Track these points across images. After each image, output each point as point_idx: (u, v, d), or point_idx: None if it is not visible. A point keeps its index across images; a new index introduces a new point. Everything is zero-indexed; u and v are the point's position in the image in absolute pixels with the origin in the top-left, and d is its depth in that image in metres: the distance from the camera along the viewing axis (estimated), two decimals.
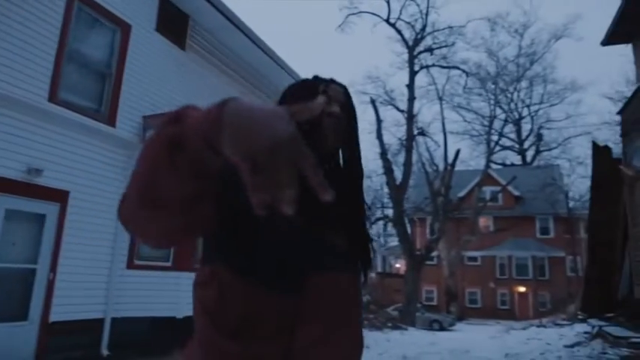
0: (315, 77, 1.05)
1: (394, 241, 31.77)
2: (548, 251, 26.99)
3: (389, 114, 53.11)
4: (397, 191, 18.29)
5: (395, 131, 22.07)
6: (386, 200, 23.68)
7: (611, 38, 10.09)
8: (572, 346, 9.31)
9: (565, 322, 15.52)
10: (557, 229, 27.33)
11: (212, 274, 0.84)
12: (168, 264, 7.33)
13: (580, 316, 12.00)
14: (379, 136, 18.82)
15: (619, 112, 8.44)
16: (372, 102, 19.55)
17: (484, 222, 27.81)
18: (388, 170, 18.50)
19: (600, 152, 10.01)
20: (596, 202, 10.16)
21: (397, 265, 34.13)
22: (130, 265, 6.96)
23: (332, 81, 1.04)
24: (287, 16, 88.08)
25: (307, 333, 0.82)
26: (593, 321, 10.52)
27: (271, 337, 0.80)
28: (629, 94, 24.81)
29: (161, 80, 7.61)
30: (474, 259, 28.10)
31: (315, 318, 0.83)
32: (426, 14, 19.22)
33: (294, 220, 0.65)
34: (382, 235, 32.84)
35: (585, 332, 10.38)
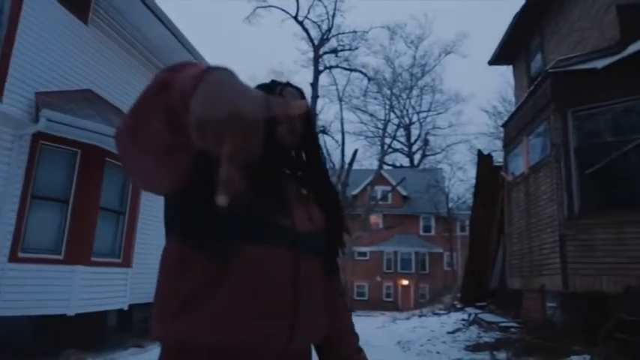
0: (272, 81, 1.14)
1: None
2: (429, 247, 29.50)
3: None
4: None
5: None
6: None
7: (497, 59, 11.37)
8: (453, 332, 10.33)
9: (442, 312, 17.11)
10: (438, 227, 29.97)
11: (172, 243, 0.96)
12: (60, 257, 6.66)
13: (458, 305, 13.33)
14: None
15: (503, 125, 9.56)
16: None
17: (374, 219, 29.46)
18: None
19: (483, 159, 11.27)
20: (477, 204, 11.39)
21: None
22: (13, 259, 6.20)
23: (288, 84, 1.13)
24: (198, 3, 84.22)
25: (219, 300, 0.88)
26: (470, 309, 11.77)
27: (190, 302, 0.89)
28: (502, 109, 27.76)
29: (59, 54, 6.87)
30: (364, 254, 29.64)
31: (231, 286, 0.88)
32: (333, 16, 19.81)
33: (244, 195, 0.70)
34: None
35: (463, 319, 11.56)
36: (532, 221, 7.31)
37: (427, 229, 30.86)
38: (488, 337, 9.06)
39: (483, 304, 11.77)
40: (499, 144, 27.44)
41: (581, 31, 7.80)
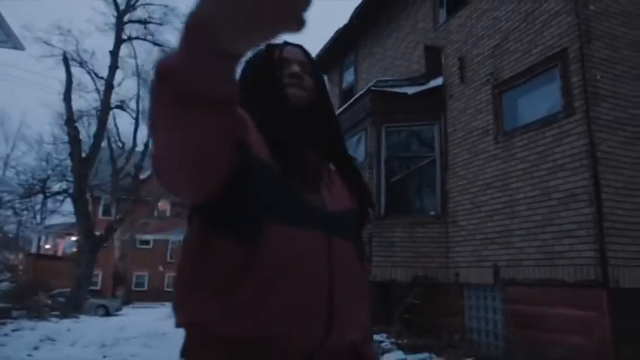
0: (268, 45, 1.07)
1: (56, 219, 28.05)
2: None
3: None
4: (82, 164, 16.34)
5: (77, 97, 19.71)
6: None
7: None
8: None
9: None
10: None
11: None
12: None
13: None
14: (67, 99, 16.42)
15: None
16: (65, 59, 16.87)
17: (162, 206, 28.03)
18: (74, 139, 16.33)
19: None
20: None
21: (48, 246, 30.22)
22: None
23: (286, 43, 1.07)
24: None
25: (246, 288, 0.80)
26: None
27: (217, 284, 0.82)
28: None
29: None
30: (147, 242, 27.90)
31: (259, 272, 0.81)
32: None
33: (274, 173, 0.79)
34: (39, 212, 28.46)
35: None
36: None
37: None
38: None
39: None
40: None
41: (393, 59, 9.14)
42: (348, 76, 11.29)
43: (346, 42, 10.68)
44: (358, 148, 8.05)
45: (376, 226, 7.30)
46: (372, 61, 10.00)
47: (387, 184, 7.51)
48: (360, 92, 8.13)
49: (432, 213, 7.23)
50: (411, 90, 7.49)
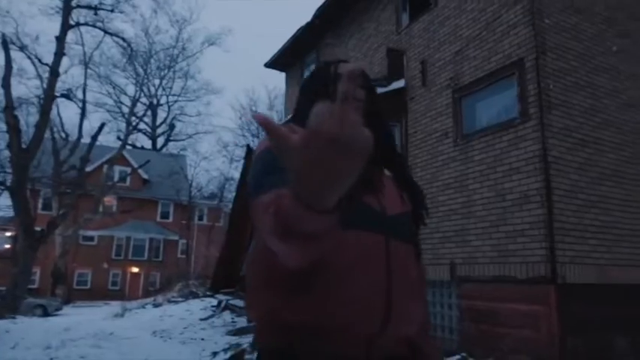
0: (325, 62, 1.19)
1: None
2: (165, 234, 28.76)
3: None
4: (21, 155, 15.35)
5: (16, 83, 18.50)
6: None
7: (274, 64, 12.24)
8: (206, 318, 10.55)
9: (179, 299, 17.08)
10: (176, 214, 29.54)
11: None
12: None
13: (208, 292, 13.61)
14: (6, 85, 15.38)
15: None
16: (4, 42, 15.77)
17: (108, 201, 26.86)
18: (13, 128, 15.30)
19: (251, 154, 11.87)
20: (240, 194, 11.94)
21: None
22: None
23: (342, 61, 1.18)
24: None
25: (313, 282, 0.90)
26: (220, 296, 12.22)
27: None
28: (251, 107, 29.43)
29: None
30: (91, 238, 26.67)
31: (325, 267, 0.89)
32: None
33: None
34: None
35: (213, 306, 11.93)
36: None
37: (165, 215, 30.03)
38: (241, 322, 9.66)
39: (232, 290, 12.40)
40: (242, 140, 29.14)
41: (355, 60, 9.25)
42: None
43: (308, 41, 10.71)
44: None
45: None
46: None
47: None
48: None
49: None
50: None
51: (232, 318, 10.19)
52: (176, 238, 28.80)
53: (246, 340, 7.31)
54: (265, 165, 0.93)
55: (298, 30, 10.61)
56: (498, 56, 5.99)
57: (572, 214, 5.27)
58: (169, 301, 17.67)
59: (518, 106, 5.63)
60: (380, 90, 7.45)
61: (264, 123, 0.61)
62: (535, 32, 5.55)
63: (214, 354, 6.66)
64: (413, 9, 7.99)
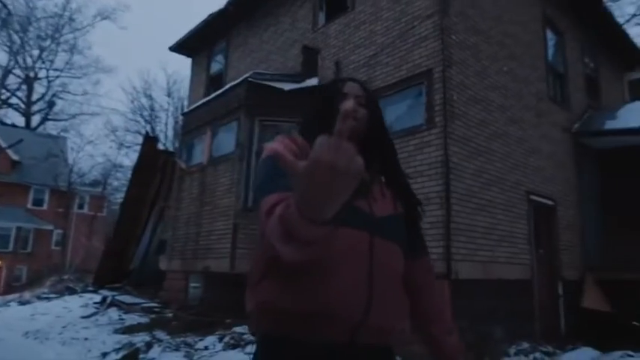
0: (334, 80, 1.43)
1: None
2: (37, 223, 25.80)
3: None
4: None
5: None
6: None
7: (179, 48, 11.61)
8: (89, 316, 9.66)
9: (52, 295, 15.45)
10: (52, 201, 26.68)
11: None
12: None
13: (91, 288, 12.48)
14: None
15: (184, 114, 9.89)
16: None
17: None
18: None
19: (149, 140, 11.19)
20: (134, 183, 11.16)
21: None
22: None
23: (349, 79, 1.33)
24: None
25: (302, 272, 1.01)
26: (104, 291, 11.29)
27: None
28: (145, 90, 27.66)
29: None
30: None
31: (312, 259, 0.97)
32: None
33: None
34: None
35: (96, 303, 10.96)
36: (205, 209, 7.94)
37: (38, 202, 26.94)
38: (130, 319, 9.03)
39: (119, 285, 11.53)
40: (134, 125, 27.29)
41: (268, 53, 9.16)
42: (218, 63, 10.95)
43: (219, 28, 10.35)
44: (228, 137, 7.88)
45: (243, 217, 7.25)
46: (245, 51, 9.87)
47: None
48: (236, 82, 7.97)
49: None
50: (287, 86, 7.62)
51: (120, 315, 9.46)
52: (50, 227, 25.99)
53: (138, 339, 6.84)
54: (269, 170, 1.06)
55: (210, 15, 10.20)
56: (409, 65, 6.35)
57: (466, 216, 5.78)
58: (40, 298, 15.85)
59: (425, 113, 6.02)
60: (294, 86, 7.47)
61: (277, 157, 0.77)
62: (443, 46, 5.98)
63: (104, 355, 6.14)
64: (330, 9, 8.13)
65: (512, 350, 5.92)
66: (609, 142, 8.42)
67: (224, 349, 6.01)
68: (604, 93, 10.08)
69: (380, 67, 6.77)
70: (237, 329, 6.46)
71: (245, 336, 6.21)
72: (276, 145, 1.13)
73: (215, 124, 8.29)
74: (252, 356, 1.13)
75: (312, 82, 7.74)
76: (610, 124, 8.45)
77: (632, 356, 5.93)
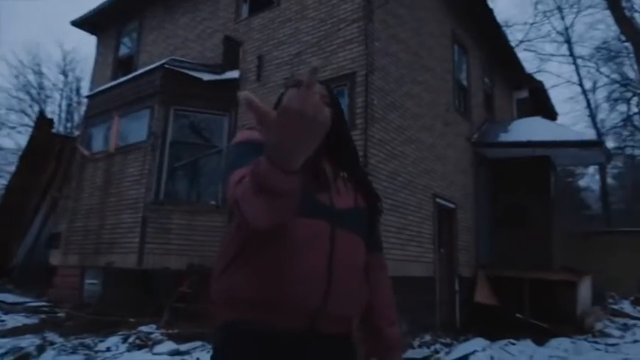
0: (299, 81, 1.45)
1: None
2: None
3: None
4: None
5: None
6: None
7: (83, 24, 10.63)
8: None
9: None
10: None
11: None
12: None
13: None
14: None
15: (88, 96, 9.05)
16: None
17: None
18: None
19: (43, 123, 10.06)
20: (22, 169, 9.99)
21: None
22: None
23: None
24: None
25: (263, 260, 1.07)
26: None
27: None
28: (34, 66, 24.98)
29: None
30: None
31: (273, 249, 1.07)
32: None
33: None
34: None
35: None
36: (110, 200, 7.38)
37: None
38: (13, 320, 8.08)
39: None
40: (17, 103, 24.49)
41: (185, 40, 8.75)
42: (128, 45, 10.22)
43: (132, 7, 9.66)
44: (139, 125, 7.40)
45: (153, 210, 6.86)
46: (160, 36, 9.33)
47: (170, 168, 7.16)
48: (151, 67, 7.51)
49: (213, 203, 7.25)
50: (206, 76, 7.36)
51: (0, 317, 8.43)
52: None
53: (27, 342, 6.14)
54: (240, 151, 1.13)
55: None
56: (334, 66, 6.48)
57: (381, 216, 6.03)
58: None
59: (347, 115, 6.18)
60: (213, 77, 7.25)
61: (248, 101, 0.81)
62: (367, 52, 6.20)
63: None
64: (254, 2, 7.99)
65: (416, 343, 6.33)
66: (501, 153, 9.36)
67: (129, 350, 5.63)
68: (497, 108, 11.16)
69: (304, 66, 6.81)
70: (144, 328, 6.10)
71: (153, 335, 5.89)
72: (242, 133, 1.23)
73: (124, 110, 7.73)
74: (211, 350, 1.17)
75: (233, 74, 7.56)
76: (503, 137, 9.39)
77: (514, 343, 6.67)
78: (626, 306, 11.02)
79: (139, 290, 7.06)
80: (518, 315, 7.62)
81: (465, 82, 9.39)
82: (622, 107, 24.53)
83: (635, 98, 23.34)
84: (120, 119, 7.77)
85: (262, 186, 0.84)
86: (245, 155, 1.07)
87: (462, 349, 6.25)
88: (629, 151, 23.75)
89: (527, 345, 6.62)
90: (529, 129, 9.21)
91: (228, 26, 8.08)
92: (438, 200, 7.57)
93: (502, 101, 11.65)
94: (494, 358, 5.93)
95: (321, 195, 1.16)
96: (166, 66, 7.24)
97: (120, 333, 6.15)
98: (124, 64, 9.88)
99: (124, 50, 10.24)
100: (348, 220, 1.18)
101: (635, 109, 23.91)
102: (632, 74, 23.73)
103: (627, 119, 23.90)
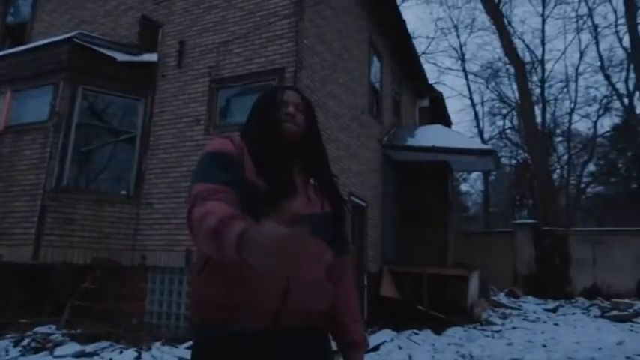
0: (274, 88, 1.57)
1: None
2: None
3: None
4: None
5: None
6: None
7: None
8: None
9: None
10: None
11: None
12: None
13: None
14: None
15: None
16: None
17: None
18: None
19: None
20: None
21: None
22: None
23: (287, 87, 1.47)
24: None
25: (227, 267, 1.11)
26: None
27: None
28: None
29: None
30: None
31: None
32: None
33: (259, 188, 1.19)
34: None
35: None
36: None
37: None
38: None
39: None
40: None
41: (94, 14, 8.01)
42: (20, 10, 9.07)
43: None
44: (39, 103, 6.64)
45: (54, 199, 6.22)
46: (62, 6, 8.43)
47: (76, 152, 6.54)
48: (56, 39, 6.78)
49: (124, 192, 6.76)
50: (120, 57, 6.85)
51: None
52: None
53: None
54: (209, 163, 1.20)
55: None
56: (262, 60, 6.43)
57: None
58: None
59: None
60: (128, 58, 6.80)
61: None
62: (297, 48, 6.25)
63: None
64: None
65: None
66: (407, 156, 10.02)
67: (23, 354, 5.05)
68: (404, 114, 11.91)
69: (230, 57, 6.66)
70: (42, 329, 5.50)
71: (53, 336, 5.35)
72: (216, 142, 1.27)
73: (21, 84, 6.88)
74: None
75: (151, 57, 7.12)
76: (410, 141, 10.07)
77: (417, 333, 7.22)
78: (502, 297, 12.45)
79: (35, 287, 6.36)
80: (419, 307, 8.23)
81: (378, 87, 9.88)
82: (500, 122, 27.72)
83: (511, 114, 26.50)
84: (13, 94, 6.90)
85: (220, 246, 0.91)
86: (213, 168, 1.17)
87: (372, 340, 6.61)
88: (504, 161, 26.78)
89: (428, 334, 7.21)
90: (432, 135, 9.98)
91: (146, 5, 7.57)
92: (352, 198, 7.88)
93: (407, 107, 12.45)
94: (401, 347, 6.38)
95: (285, 202, 1.14)
96: (75, 40, 6.59)
97: (9, 336, 5.47)
98: (15, 32, 8.79)
99: (15, 16, 9.08)
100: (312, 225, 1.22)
101: (509, 124, 27.15)
102: (509, 93, 26.85)
103: (502, 132, 27.09)
